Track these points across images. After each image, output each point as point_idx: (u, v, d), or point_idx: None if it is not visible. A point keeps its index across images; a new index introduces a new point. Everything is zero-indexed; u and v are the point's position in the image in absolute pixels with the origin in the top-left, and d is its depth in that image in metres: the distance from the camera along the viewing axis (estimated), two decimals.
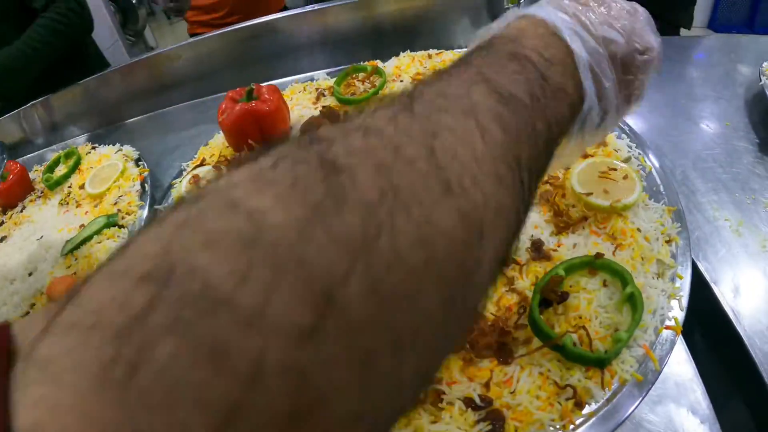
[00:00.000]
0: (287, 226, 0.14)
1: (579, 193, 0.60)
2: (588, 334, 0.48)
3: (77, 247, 0.78)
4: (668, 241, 0.58)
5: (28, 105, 1.20)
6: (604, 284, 0.53)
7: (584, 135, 0.27)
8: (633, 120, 0.76)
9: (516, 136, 0.20)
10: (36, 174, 1.05)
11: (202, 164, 0.86)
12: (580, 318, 0.50)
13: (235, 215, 0.14)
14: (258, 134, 0.80)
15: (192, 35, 1.44)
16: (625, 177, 0.61)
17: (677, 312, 0.52)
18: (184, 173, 0.86)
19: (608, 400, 0.46)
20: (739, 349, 0.59)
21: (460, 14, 1.14)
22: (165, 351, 0.12)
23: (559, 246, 0.58)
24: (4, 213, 0.97)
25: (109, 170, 0.93)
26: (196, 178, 0.81)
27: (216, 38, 1.21)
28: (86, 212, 0.88)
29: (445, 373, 0.48)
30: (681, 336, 0.51)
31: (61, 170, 1.02)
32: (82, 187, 0.94)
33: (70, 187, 0.96)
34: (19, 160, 1.15)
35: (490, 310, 0.53)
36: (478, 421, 0.45)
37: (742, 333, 0.59)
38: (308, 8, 1.19)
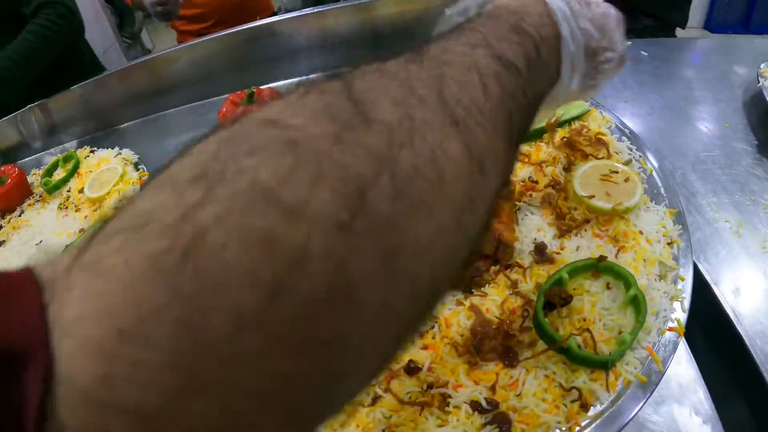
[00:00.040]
0: (323, 136, 0.16)
1: (581, 196, 0.60)
2: (592, 337, 0.49)
3: None
4: (670, 243, 0.58)
5: (25, 108, 1.19)
6: (608, 287, 0.53)
7: (545, 109, 0.30)
8: (632, 122, 0.77)
9: (511, 97, 0.23)
10: (34, 178, 1.04)
11: None
12: (584, 320, 0.51)
13: (276, 128, 0.16)
14: None
15: (180, 44, 1.45)
16: (627, 180, 0.61)
17: (680, 313, 0.53)
18: None
19: (613, 402, 0.47)
20: (740, 350, 0.60)
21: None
22: (218, 239, 0.14)
23: (562, 249, 0.58)
24: (3, 217, 0.97)
25: (108, 174, 0.93)
26: None
27: (215, 41, 1.20)
28: (86, 216, 0.88)
29: (450, 376, 0.48)
30: (683, 337, 0.52)
31: (59, 174, 1.01)
32: (81, 191, 0.93)
33: (69, 191, 0.96)
34: (17, 163, 1.14)
35: (495, 313, 0.53)
36: (484, 425, 0.45)
37: (742, 333, 0.60)
38: (307, 11, 1.19)
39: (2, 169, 1.00)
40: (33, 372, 0.12)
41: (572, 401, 0.46)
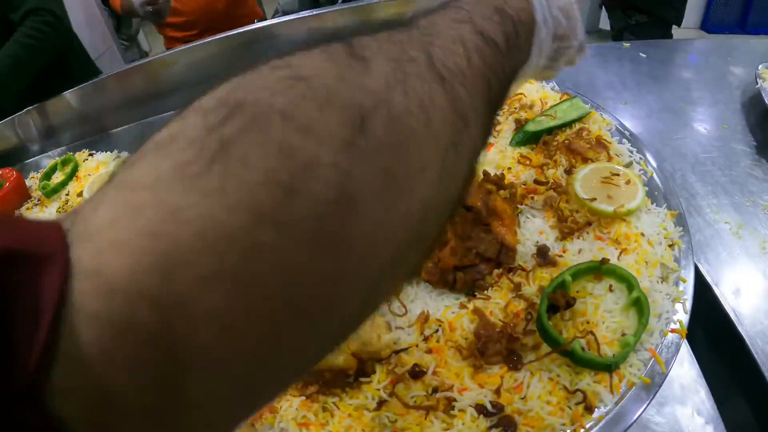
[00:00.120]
0: (328, 75, 0.18)
1: (583, 198, 0.61)
2: (596, 339, 0.49)
3: None
4: (671, 245, 0.58)
5: (23, 111, 1.18)
6: (610, 289, 0.53)
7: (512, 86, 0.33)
8: (632, 124, 0.77)
9: (490, 68, 0.25)
10: (33, 181, 1.04)
11: None
12: (588, 323, 0.51)
13: (285, 69, 0.18)
14: None
15: (168, 50, 1.45)
16: (628, 182, 0.62)
17: (681, 315, 0.53)
18: None
19: (617, 404, 0.47)
20: (740, 350, 0.60)
21: None
22: (240, 148, 0.16)
23: (564, 252, 0.58)
24: None
25: (107, 177, 0.93)
26: None
27: (212, 44, 1.20)
28: None
29: (455, 380, 0.49)
30: (684, 338, 0.52)
31: (58, 177, 1.01)
32: (80, 194, 0.93)
33: (67, 194, 0.95)
34: (16, 167, 1.14)
35: (498, 317, 0.53)
36: (490, 428, 0.45)
37: (743, 333, 0.60)
38: (304, 13, 1.19)
39: (0, 172, 1.00)
40: (51, 268, 0.13)
41: (577, 403, 0.46)
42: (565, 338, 0.49)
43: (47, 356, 0.12)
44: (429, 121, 0.20)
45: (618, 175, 0.63)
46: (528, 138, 0.73)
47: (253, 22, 1.49)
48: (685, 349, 0.58)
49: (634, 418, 0.46)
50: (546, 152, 0.70)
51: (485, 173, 0.64)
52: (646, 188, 0.63)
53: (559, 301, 0.50)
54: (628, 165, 0.68)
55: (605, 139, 0.70)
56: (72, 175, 0.99)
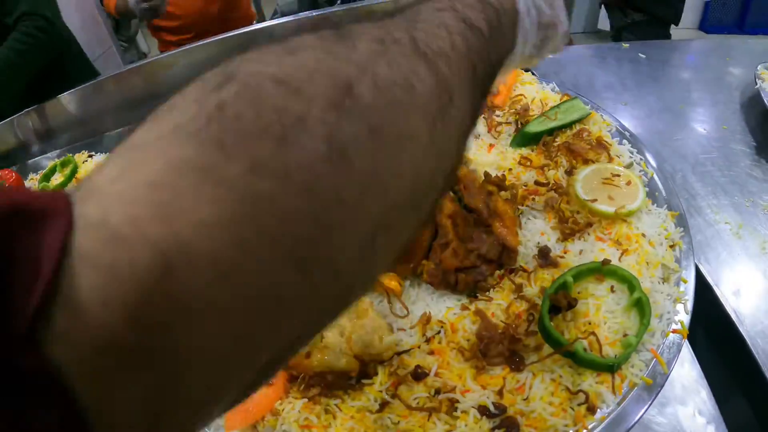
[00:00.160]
0: (317, 48, 0.20)
1: (583, 199, 0.61)
2: (598, 340, 0.49)
3: None
4: (672, 246, 0.59)
5: (22, 113, 1.18)
6: (612, 290, 0.53)
7: (499, 75, 0.33)
8: (632, 124, 0.77)
9: (475, 53, 0.26)
10: (32, 183, 1.03)
11: None
12: (590, 324, 0.51)
13: (277, 46, 0.20)
14: None
15: (162, 52, 1.45)
16: (629, 183, 0.62)
17: (683, 315, 0.53)
18: None
19: (619, 404, 0.47)
20: (741, 350, 0.60)
21: None
22: (237, 107, 0.17)
23: (565, 253, 0.58)
24: None
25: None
26: None
27: (211, 45, 1.20)
28: None
29: (458, 381, 0.49)
30: (686, 339, 0.52)
31: (57, 179, 1.00)
32: None
33: None
34: (14, 168, 1.13)
35: (500, 318, 0.53)
36: (492, 429, 0.45)
37: (744, 333, 0.61)
38: (303, 14, 1.19)
39: None
40: (55, 223, 0.14)
41: (579, 404, 0.46)
42: (567, 339, 0.49)
43: (47, 302, 0.13)
44: (414, 91, 0.21)
45: (619, 176, 0.63)
46: (528, 139, 0.73)
47: (251, 24, 1.50)
48: (686, 350, 0.58)
49: (636, 418, 0.46)
50: (546, 153, 0.70)
51: (486, 174, 0.64)
52: (647, 189, 0.63)
53: (560, 302, 0.50)
54: (629, 166, 0.68)
55: (606, 140, 0.70)
56: (71, 176, 0.99)
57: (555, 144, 0.71)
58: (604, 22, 3.16)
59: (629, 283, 0.52)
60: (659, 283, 0.55)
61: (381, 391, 0.49)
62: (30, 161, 1.20)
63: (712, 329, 0.63)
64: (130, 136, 0.18)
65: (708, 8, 2.99)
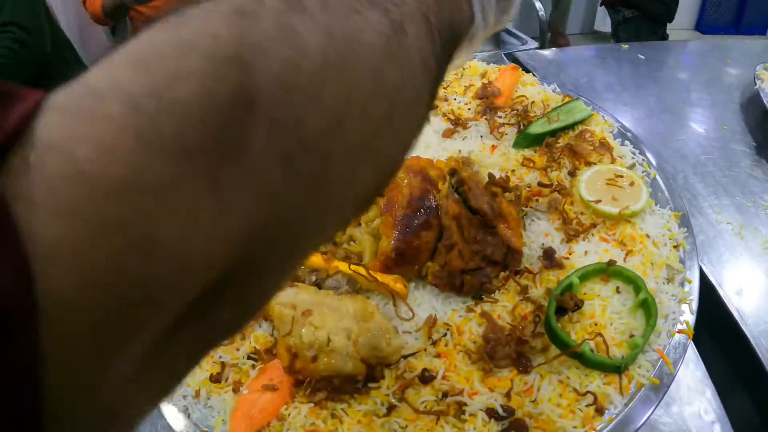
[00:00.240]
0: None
1: (587, 200, 0.61)
2: (605, 341, 0.49)
3: None
4: (676, 246, 0.59)
5: None
6: (617, 291, 0.53)
7: (468, 46, 0.33)
8: (632, 125, 0.78)
9: (428, 9, 0.25)
10: None
11: None
12: (596, 325, 0.51)
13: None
14: None
15: None
16: (632, 183, 0.62)
17: (688, 316, 0.53)
18: None
19: (626, 405, 0.47)
20: (745, 349, 0.61)
21: None
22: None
23: (570, 254, 0.58)
24: None
25: None
26: None
27: None
28: None
29: (465, 384, 0.48)
30: (691, 339, 0.52)
31: None
32: None
33: None
34: None
35: (506, 320, 0.53)
36: None
37: (747, 333, 0.61)
38: None
39: None
40: (28, 94, 0.14)
41: (587, 405, 0.46)
42: (574, 340, 0.49)
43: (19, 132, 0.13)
44: (361, 44, 0.20)
45: (622, 176, 0.63)
46: (531, 140, 0.73)
47: None
48: (691, 350, 0.58)
49: (644, 419, 0.46)
50: (549, 155, 0.70)
51: (490, 176, 0.64)
52: (650, 190, 0.64)
53: (567, 303, 0.50)
54: (631, 167, 0.68)
55: (608, 142, 0.70)
56: None
57: (558, 145, 0.71)
58: (600, 24, 3.18)
59: (635, 283, 0.53)
60: (664, 283, 0.56)
61: (388, 395, 0.48)
62: None
63: (716, 329, 0.63)
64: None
65: (704, 9, 3.01)
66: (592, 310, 0.52)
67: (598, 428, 0.45)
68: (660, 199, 0.64)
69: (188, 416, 0.50)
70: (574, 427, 0.45)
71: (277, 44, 0.17)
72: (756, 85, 0.80)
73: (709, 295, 0.63)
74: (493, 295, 0.56)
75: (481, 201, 0.58)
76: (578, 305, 0.51)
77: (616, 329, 0.51)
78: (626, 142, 0.72)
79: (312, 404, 0.49)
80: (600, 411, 0.46)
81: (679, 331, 0.52)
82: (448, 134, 0.78)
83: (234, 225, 0.16)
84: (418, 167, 0.61)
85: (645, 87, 0.91)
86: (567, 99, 0.79)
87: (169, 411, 0.50)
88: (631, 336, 0.50)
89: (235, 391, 0.51)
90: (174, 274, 0.15)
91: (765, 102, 0.76)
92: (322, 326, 0.48)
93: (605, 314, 0.52)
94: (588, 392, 0.47)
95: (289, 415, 0.49)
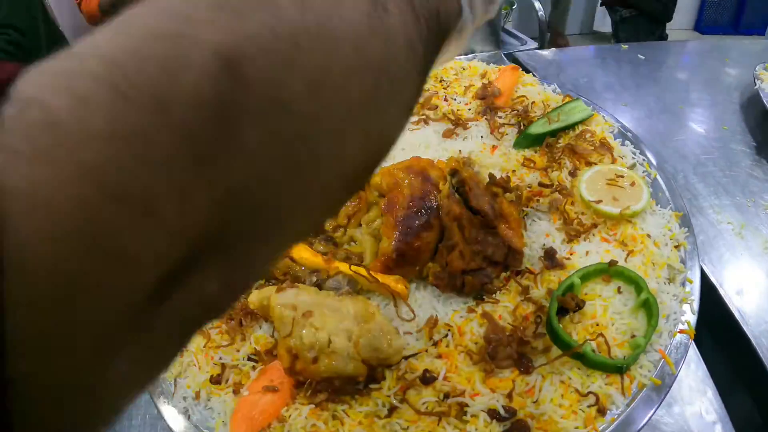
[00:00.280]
0: None
1: (588, 201, 0.61)
2: (606, 341, 0.49)
3: None
4: (677, 246, 0.59)
5: None
6: (619, 291, 0.53)
7: (458, 39, 0.33)
8: (633, 125, 0.78)
9: (419, 9, 0.25)
10: None
11: None
12: (597, 325, 0.51)
13: None
14: None
15: None
16: (632, 184, 0.62)
17: (689, 316, 0.53)
18: None
19: (628, 405, 0.47)
20: (746, 349, 0.61)
21: None
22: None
23: (571, 254, 0.58)
24: None
25: None
26: None
27: None
28: None
29: (467, 385, 0.48)
30: (693, 339, 0.52)
31: None
32: None
33: None
34: None
35: (507, 320, 0.53)
36: None
37: (748, 333, 0.61)
38: None
39: None
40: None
41: (589, 406, 0.46)
42: (575, 341, 0.49)
43: None
44: (346, 30, 0.20)
45: (622, 176, 0.63)
46: (531, 141, 0.73)
47: None
48: (692, 350, 0.58)
49: (646, 419, 0.46)
50: (550, 155, 0.70)
51: (491, 176, 0.64)
52: (650, 190, 0.64)
53: (568, 303, 0.50)
54: (632, 167, 0.68)
55: (608, 142, 0.70)
56: None
57: (558, 145, 0.71)
58: (600, 24, 3.18)
59: (636, 284, 0.52)
60: (665, 283, 0.56)
61: (389, 396, 0.48)
62: None
63: (717, 329, 0.63)
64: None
65: (703, 9, 3.02)
66: (594, 311, 0.52)
67: (600, 429, 0.45)
68: (661, 199, 0.64)
69: (188, 418, 0.50)
70: (576, 427, 0.45)
71: (253, 8, 0.17)
72: (756, 85, 0.80)
73: (709, 295, 0.63)
74: (494, 295, 0.56)
75: (482, 201, 0.58)
76: (579, 306, 0.51)
77: (618, 329, 0.51)
78: (626, 142, 0.72)
79: (313, 405, 0.49)
80: (602, 411, 0.46)
81: (681, 331, 0.52)
82: (448, 134, 0.77)
83: (211, 180, 0.16)
84: (418, 168, 0.61)
85: (645, 87, 0.92)
86: (567, 99, 0.79)
87: (169, 412, 0.50)
88: (633, 336, 0.50)
89: (236, 392, 0.51)
90: (150, 227, 0.14)
91: (765, 102, 0.76)
92: (322, 327, 0.48)
93: (607, 314, 0.52)
94: (590, 393, 0.47)
95: (289, 416, 0.48)
